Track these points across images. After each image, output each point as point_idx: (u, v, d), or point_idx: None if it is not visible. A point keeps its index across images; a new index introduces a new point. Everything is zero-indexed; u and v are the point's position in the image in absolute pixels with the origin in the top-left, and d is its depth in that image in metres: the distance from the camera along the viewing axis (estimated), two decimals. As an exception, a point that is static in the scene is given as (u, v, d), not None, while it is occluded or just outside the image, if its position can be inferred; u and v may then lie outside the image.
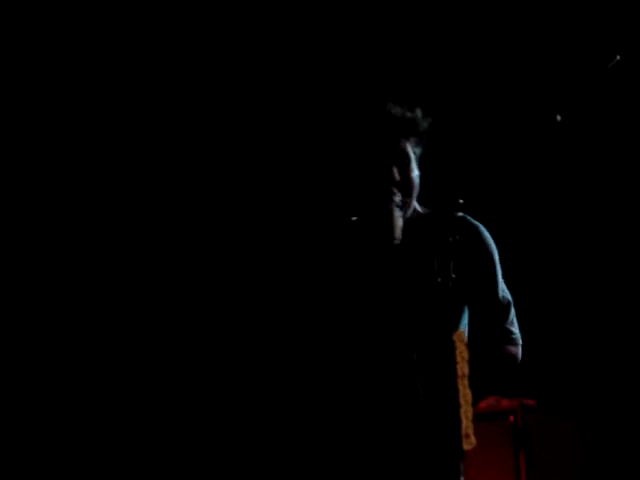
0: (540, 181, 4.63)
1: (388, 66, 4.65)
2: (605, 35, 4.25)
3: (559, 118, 2.29)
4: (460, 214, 2.67)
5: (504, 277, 2.78)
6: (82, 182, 4.82)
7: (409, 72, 4.63)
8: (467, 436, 2.16)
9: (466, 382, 2.20)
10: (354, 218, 2.81)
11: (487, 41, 4.69)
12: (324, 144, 2.88)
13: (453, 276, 2.24)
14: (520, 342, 2.81)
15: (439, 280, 2.25)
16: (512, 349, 2.78)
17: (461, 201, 2.29)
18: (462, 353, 2.20)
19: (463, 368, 2.20)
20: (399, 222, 2.66)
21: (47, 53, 4.72)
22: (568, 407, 4.42)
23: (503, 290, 2.78)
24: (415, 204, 2.78)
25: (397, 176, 2.68)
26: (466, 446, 2.16)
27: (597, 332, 4.76)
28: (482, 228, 2.72)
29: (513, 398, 4.24)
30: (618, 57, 2.37)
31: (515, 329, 2.80)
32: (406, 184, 2.70)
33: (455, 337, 2.21)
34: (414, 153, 2.74)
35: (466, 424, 2.17)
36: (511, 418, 4.18)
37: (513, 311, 2.80)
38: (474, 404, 2.19)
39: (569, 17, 4.53)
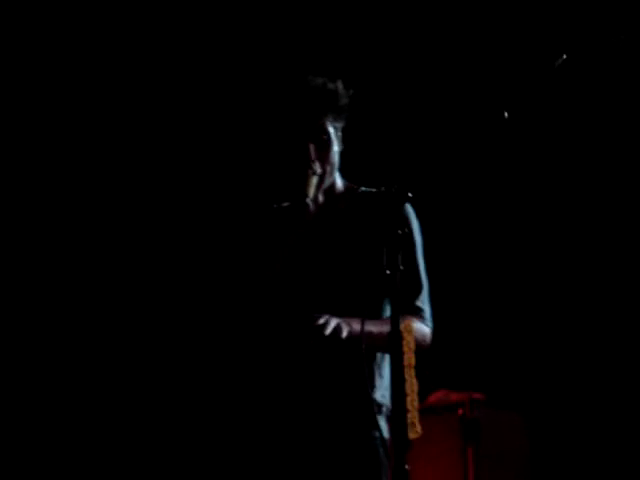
0: (489, 175, 4.69)
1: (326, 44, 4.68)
2: (554, 33, 4.31)
3: (506, 115, 2.34)
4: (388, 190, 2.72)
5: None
6: (82, 182, 4.82)
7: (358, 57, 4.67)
8: (413, 425, 2.20)
9: (413, 372, 2.24)
10: (275, 205, 2.83)
11: (438, 35, 4.74)
12: (245, 123, 2.89)
13: (401, 268, 2.28)
14: (430, 325, 2.80)
15: (388, 272, 2.28)
16: (420, 325, 2.76)
17: (410, 195, 2.33)
18: (409, 343, 2.24)
19: (410, 358, 2.24)
20: (313, 180, 2.68)
21: (47, 53, 4.71)
22: (516, 401, 4.48)
23: (420, 272, 2.78)
24: (338, 179, 2.79)
25: (313, 154, 2.69)
26: (412, 435, 2.20)
27: (544, 326, 4.83)
28: (410, 208, 2.72)
29: (462, 391, 4.29)
30: (565, 56, 2.42)
31: (426, 309, 2.80)
32: (323, 162, 2.72)
33: (402, 328, 2.25)
34: (334, 128, 2.74)
35: (412, 413, 2.21)
36: (460, 411, 4.23)
37: (426, 295, 2.80)
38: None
39: (520, 14, 4.59)
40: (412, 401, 2.21)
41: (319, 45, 4.69)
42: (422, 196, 2.34)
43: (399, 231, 2.29)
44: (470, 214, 4.84)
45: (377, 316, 2.74)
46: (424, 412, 4.09)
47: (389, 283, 2.28)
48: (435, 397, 4.31)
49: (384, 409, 2.73)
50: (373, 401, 2.68)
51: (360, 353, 2.46)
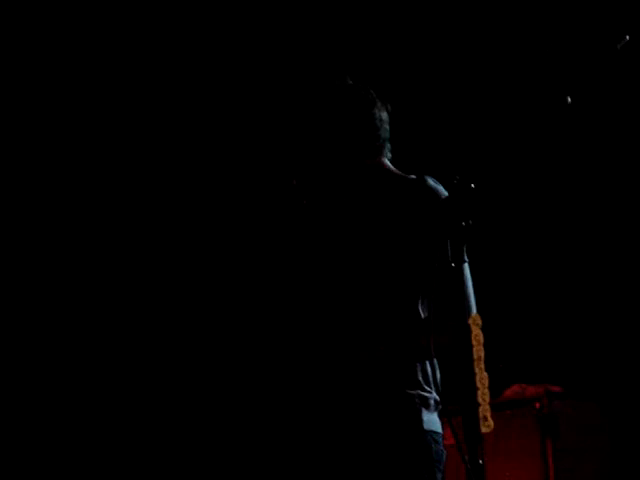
0: (549, 166, 4.62)
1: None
2: (615, 16, 4.23)
3: (569, 100, 2.29)
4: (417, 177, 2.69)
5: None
6: (81, 182, 4.85)
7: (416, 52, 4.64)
8: (485, 419, 2.17)
9: (482, 365, 2.20)
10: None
11: (498, 20, 4.68)
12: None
13: (466, 260, 2.25)
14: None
15: (453, 265, 2.25)
16: None
17: (473, 185, 2.30)
18: (477, 336, 2.21)
19: (479, 351, 2.21)
20: None
21: (47, 53, 4.74)
22: (594, 392, 4.40)
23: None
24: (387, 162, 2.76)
25: None
26: (484, 429, 2.17)
27: (622, 316, 4.74)
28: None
29: (538, 385, 4.23)
30: (627, 37, 2.36)
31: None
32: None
33: (470, 321, 2.22)
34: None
35: (484, 407, 2.17)
36: (537, 405, 4.17)
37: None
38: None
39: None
40: (483, 395, 2.17)
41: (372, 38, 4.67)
42: (485, 187, 2.31)
43: (463, 223, 2.26)
44: (538, 203, 4.77)
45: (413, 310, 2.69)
46: (500, 407, 4.09)
47: (454, 276, 2.25)
48: (511, 391, 4.25)
49: (431, 402, 2.68)
50: (415, 396, 2.65)
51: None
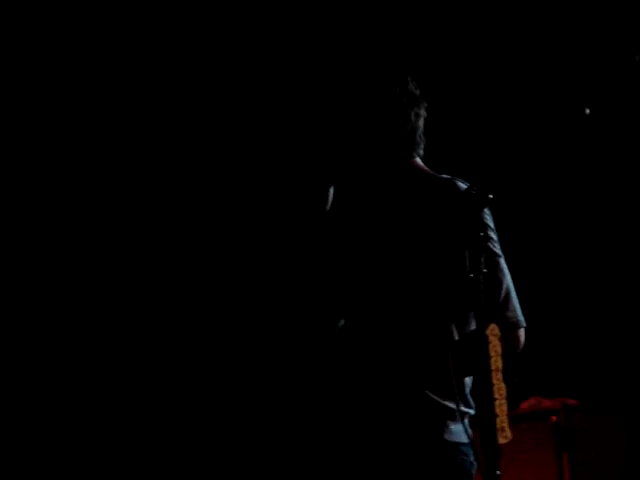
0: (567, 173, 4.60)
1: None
2: (633, 27, 4.22)
3: (588, 111, 2.29)
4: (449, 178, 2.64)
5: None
6: (81, 182, 4.86)
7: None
8: (502, 430, 2.16)
9: (500, 376, 2.20)
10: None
11: (517, 30, 4.68)
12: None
13: (484, 271, 2.24)
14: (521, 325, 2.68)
15: (471, 276, 2.25)
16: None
17: (490, 196, 2.29)
18: (495, 347, 2.20)
19: (497, 362, 2.20)
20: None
21: (47, 53, 4.76)
22: (612, 406, 4.38)
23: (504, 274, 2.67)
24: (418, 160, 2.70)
25: None
26: (501, 440, 2.16)
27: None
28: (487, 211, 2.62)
29: (555, 398, 4.21)
30: None
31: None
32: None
33: (488, 331, 2.21)
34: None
35: (501, 418, 2.16)
36: (553, 418, 4.15)
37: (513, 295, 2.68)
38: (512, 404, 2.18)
39: (598, 8, 4.51)
40: (500, 405, 2.17)
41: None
42: (503, 197, 2.30)
43: (481, 233, 2.25)
44: (554, 214, 4.75)
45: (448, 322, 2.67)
46: (516, 420, 4.06)
47: (473, 286, 2.24)
48: (527, 404, 4.24)
49: (456, 413, 2.66)
50: (442, 407, 2.63)
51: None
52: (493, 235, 2.67)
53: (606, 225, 4.77)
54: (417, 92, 2.70)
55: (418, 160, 2.75)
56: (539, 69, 4.59)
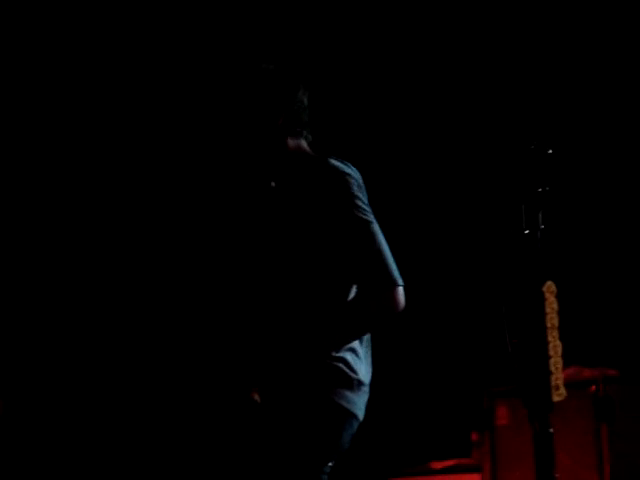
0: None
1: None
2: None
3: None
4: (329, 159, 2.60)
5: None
6: (80, 182, 4.88)
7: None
8: (557, 387, 2.14)
9: (556, 334, 2.17)
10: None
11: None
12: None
13: (542, 227, 2.21)
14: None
15: (527, 232, 2.22)
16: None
17: (550, 152, 2.26)
18: (552, 304, 2.18)
19: (553, 319, 2.18)
20: None
21: (47, 53, 4.76)
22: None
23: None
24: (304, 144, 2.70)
25: None
26: (556, 397, 2.14)
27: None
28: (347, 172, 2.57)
29: (595, 368, 4.18)
30: None
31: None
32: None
33: (545, 288, 2.19)
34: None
35: (556, 375, 2.14)
36: (592, 388, 4.12)
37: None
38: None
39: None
40: (556, 363, 2.15)
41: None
42: (562, 153, 2.27)
43: (539, 189, 2.23)
44: (615, 176, 4.66)
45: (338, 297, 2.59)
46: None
47: (528, 242, 2.21)
48: (566, 374, 4.19)
49: (355, 382, 2.56)
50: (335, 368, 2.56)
51: None
52: (362, 204, 2.55)
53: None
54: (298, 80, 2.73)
55: (304, 143, 2.73)
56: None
